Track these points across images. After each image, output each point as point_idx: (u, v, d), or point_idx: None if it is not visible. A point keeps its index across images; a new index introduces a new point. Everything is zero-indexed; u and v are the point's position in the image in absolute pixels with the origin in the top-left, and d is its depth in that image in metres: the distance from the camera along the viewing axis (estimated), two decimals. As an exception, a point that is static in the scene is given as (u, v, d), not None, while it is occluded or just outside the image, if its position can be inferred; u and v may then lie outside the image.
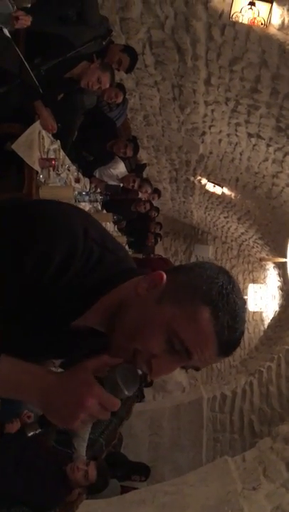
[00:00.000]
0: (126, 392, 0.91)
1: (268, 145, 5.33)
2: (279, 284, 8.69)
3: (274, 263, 8.55)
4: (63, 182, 3.84)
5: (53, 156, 3.70)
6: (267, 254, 9.03)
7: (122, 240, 6.43)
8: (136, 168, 6.72)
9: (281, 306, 8.41)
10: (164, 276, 0.95)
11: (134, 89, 5.46)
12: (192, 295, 0.92)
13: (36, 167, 3.43)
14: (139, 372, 0.93)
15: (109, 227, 5.68)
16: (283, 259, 7.34)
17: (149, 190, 6.24)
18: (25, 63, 2.08)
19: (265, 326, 9.23)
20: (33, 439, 2.03)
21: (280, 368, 6.11)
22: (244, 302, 0.97)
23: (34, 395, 0.89)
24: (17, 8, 2.28)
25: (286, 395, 6.07)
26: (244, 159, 6.15)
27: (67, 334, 0.99)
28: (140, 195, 6.28)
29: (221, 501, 2.96)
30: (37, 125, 3.44)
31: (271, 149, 5.37)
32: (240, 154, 6.09)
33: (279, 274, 8.44)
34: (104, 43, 3.59)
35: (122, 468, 5.92)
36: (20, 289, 0.90)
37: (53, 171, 3.61)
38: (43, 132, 3.51)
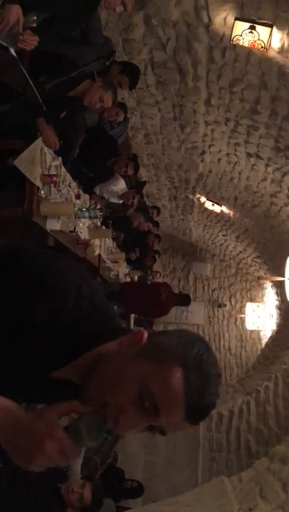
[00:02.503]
0: (87, 443, 0.89)
1: (267, 165, 5.39)
2: (277, 303, 8.71)
3: (272, 282, 8.58)
4: (64, 198, 3.87)
5: (54, 173, 3.74)
6: (265, 273, 9.06)
7: (121, 256, 6.46)
8: (136, 185, 6.80)
9: (279, 325, 8.41)
10: (145, 335, 0.99)
11: (135, 108, 5.54)
12: (168, 354, 0.94)
13: (38, 183, 3.47)
14: (106, 426, 0.91)
15: (108, 243, 5.71)
16: (281, 278, 7.37)
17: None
18: (30, 81, 2.12)
19: (263, 345, 9.21)
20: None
21: (278, 387, 6.09)
22: (218, 375, 0.98)
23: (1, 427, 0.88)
24: (23, 28, 2.33)
25: (283, 415, 6.04)
26: (243, 178, 6.21)
27: (42, 382, 0.98)
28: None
29: (217, 522, 2.92)
30: (39, 142, 3.48)
31: (270, 169, 5.44)
32: (239, 173, 6.15)
33: (277, 293, 8.46)
34: (107, 63, 3.66)
35: (116, 489, 5.82)
36: (9, 331, 0.92)
37: (54, 186, 3.65)
38: (45, 149, 3.56)
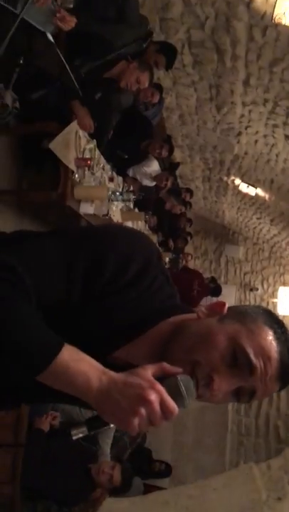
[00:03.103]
0: (186, 401, 0.84)
1: (306, 148, 5.23)
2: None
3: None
4: (98, 181, 3.87)
5: (88, 155, 3.73)
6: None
7: (154, 238, 6.45)
8: (169, 166, 6.73)
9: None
10: (226, 305, 0.97)
11: (170, 88, 5.44)
12: (254, 318, 0.94)
13: (72, 166, 3.47)
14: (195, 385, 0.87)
15: (141, 225, 5.70)
16: None
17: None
18: (67, 66, 2.09)
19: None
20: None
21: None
22: None
23: (92, 387, 0.81)
24: (60, 8, 2.29)
25: (314, 402, 5.99)
26: (280, 161, 6.05)
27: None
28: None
29: (244, 509, 2.95)
30: (74, 125, 3.47)
31: (309, 152, 5.28)
32: (277, 156, 5.99)
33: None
34: (144, 45, 3.58)
35: (144, 470, 5.89)
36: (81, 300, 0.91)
37: (88, 170, 3.64)
38: (80, 132, 3.54)
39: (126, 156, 5.26)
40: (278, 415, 6.18)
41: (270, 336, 0.91)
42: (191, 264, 9.69)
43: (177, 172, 7.57)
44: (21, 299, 0.84)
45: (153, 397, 0.79)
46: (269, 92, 4.56)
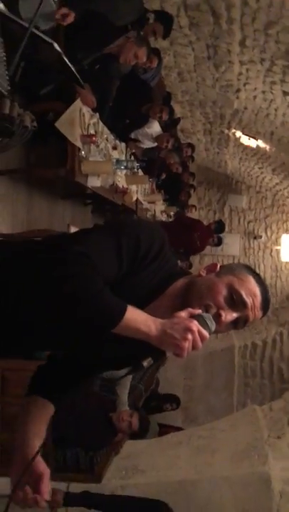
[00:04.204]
0: (211, 329, 1.22)
1: (304, 103, 5.32)
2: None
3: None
4: (103, 154, 4.05)
5: (92, 130, 3.89)
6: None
7: (158, 197, 6.65)
8: (170, 122, 6.79)
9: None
10: (218, 264, 1.38)
11: (168, 47, 5.46)
12: (241, 270, 1.35)
13: (78, 143, 3.65)
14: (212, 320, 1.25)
15: (146, 187, 5.90)
16: None
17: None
18: (70, 65, 2.24)
19: (298, 276, 9.42)
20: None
21: (310, 320, 6.38)
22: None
23: (152, 330, 1.16)
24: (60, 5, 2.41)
25: (315, 345, 6.38)
26: (279, 115, 6.13)
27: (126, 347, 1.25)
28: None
29: (248, 447, 3.36)
30: (78, 103, 3.62)
31: (306, 107, 5.36)
32: (276, 110, 6.07)
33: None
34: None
35: (155, 400, 6.40)
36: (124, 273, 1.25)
37: (94, 145, 3.82)
38: (84, 109, 3.69)
39: (127, 121, 5.39)
40: (281, 358, 6.61)
41: (253, 281, 1.32)
42: (195, 216, 9.90)
43: (178, 126, 7.64)
44: (98, 276, 1.17)
45: (194, 326, 1.16)
46: (265, 52, 4.62)
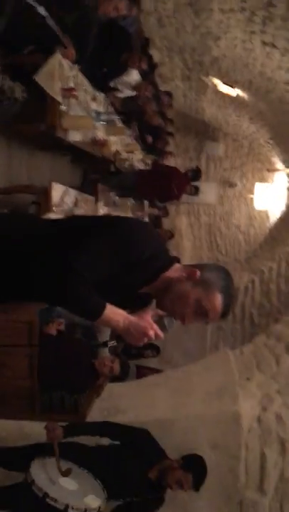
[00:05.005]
0: (169, 330, 1.61)
1: (283, 54, 5.31)
2: (287, 184, 8.96)
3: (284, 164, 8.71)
4: (83, 108, 4.04)
5: (72, 83, 3.87)
6: (277, 155, 9.17)
7: (136, 147, 6.65)
8: (148, 68, 6.67)
9: (287, 207, 8.76)
10: (198, 273, 1.63)
11: (147, -8, 5.32)
12: (213, 285, 1.64)
13: (58, 98, 3.64)
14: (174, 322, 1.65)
15: (125, 138, 5.91)
16: None
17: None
18: (54, 29, 2.23)
19: (271, 224, 9.67)
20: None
21: (281, 268, 6.68)
22: (235, 292, 1.69)
23: (122, 326, 1.53)
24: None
25: (284, 292, 6.72)
26: (258, 65, 6.10)
27: (134, 296, 1.67)
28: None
29: (220, 388, 3.66)
30: (57, 56, 3.58)
31: (285, 59, 5.36)
32: (254, 60, 6.04)
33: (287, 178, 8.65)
34: None
35: (135, 348, 6.70)
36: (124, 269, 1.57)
37: (74, 99, 3.80)
38: (63, 61, 3.65)
39: (105, 70, 5.31)
40: (253, 304, 6.95)
41: (219, 299, 1.62)
42: (172, 163, 9.90)
43: (156, 72, 7.51)
44: (88, 286, 1.48)
45: (151, 333, 1.55)
46: (246, 1, 4.57)
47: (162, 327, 1.58)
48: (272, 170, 9.11)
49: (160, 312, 1.61)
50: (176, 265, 1.70)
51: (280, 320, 4.98)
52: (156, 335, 1.55)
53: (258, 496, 3.19)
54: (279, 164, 9.52)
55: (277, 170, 8.53)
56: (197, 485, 2.90)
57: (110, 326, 1.59)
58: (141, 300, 1.70)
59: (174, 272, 1.67)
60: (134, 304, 1.80)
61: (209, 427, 3.32)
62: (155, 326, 1.55)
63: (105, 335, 4.78)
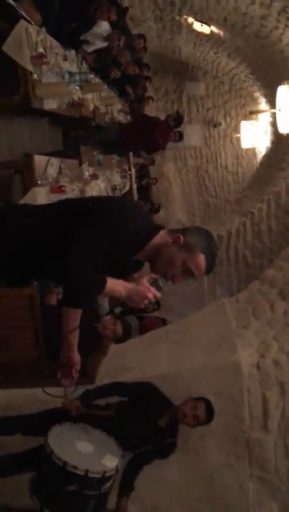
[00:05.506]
0: (164, 288, 1.79)
1: (256, -11, 5.12)
2: (270, 119, 8.83)
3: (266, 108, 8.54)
4: (55, 72, 3.92)
5: (41, 48, 3.74)
6: (259, 89, 8.97)
7: (114, 100, 6.50)
8: (117, 11, 6.39)
9: (272, 143, 8.68)
10: (182, 238, 1.81)
11: None
12: (196, 248, 1.82)
13: (29, 67, 3.54)
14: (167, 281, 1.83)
15: (104, 93, 5.78)
16: (272, 110, 7.39)
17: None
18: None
19: (258, 162, 9.61)
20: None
21: (270, 208, 6.73)
22: (217, 249, 1.93)
23: (124, 294, 1.72)
24: None
25: (275, 231, 6.81)
26: (231, 0, 5.88)
27: (127, 263, 1.90)
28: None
29: (219, 337, 3.82)
30: (22, 23, 3.45)
31: (259, -7, 5.17)
32: (227, -4, 5.81)
33: (271, 115, 8.51)
34: None
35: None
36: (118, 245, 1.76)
37: (45, 65, 3.69)
38: (29, 28, 3.52)
39: (74, 24, 5.10)
40: (245, 246, 7.05)
41: (203, 260, 1.81)
42: (153, 108, 9.68)
43: (127, 16, 7.21)
44: (90, 270, 1.70)
45: (150, 295, 1.73)
46: None
47: (158, 287, 1.77)
48: (254, 112, 8.94)
49: (154, 275, 1.79)
50: (162, 232, 1.86)
51: (272, 264, 5.08)
52: (155, 295, 1.74)
53: (262, 435, 3.42)
54: (262, 103, 9.33)
55: (260, 111, 8.36)
56: (209, 413, 3.11)
57: (114, 296, 1.77)
58: (133, 266, 1.96)
59: (160, 238, 1.84)
60: (127, 271, 2.08)
61: (212, 377, 3.50)
62: (152, 289, 1.73)
63: (104, 301, 4.90)
